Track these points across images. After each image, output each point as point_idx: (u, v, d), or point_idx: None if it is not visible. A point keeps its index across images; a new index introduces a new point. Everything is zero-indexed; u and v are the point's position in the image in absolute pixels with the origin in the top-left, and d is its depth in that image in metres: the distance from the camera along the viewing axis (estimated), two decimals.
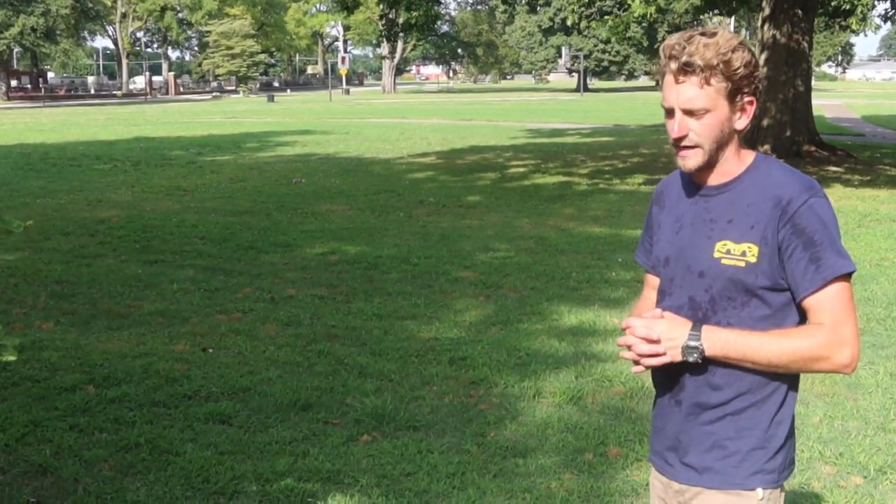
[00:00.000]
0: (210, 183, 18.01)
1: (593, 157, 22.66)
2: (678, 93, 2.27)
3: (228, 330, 7.53)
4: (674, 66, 2.25)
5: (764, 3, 20.66)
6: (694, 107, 2.26)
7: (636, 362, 2.35)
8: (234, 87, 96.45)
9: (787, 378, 2.35)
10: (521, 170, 19.98)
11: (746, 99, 2.28)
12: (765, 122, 20.30)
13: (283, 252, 10.87)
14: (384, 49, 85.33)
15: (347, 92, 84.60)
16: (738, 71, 2.23)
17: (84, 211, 14.32)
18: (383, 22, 21.47)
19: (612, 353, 6.84)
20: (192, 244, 11.37)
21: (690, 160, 2.32)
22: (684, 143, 2.30)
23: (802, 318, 2.31)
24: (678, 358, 2.30)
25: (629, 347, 2.35)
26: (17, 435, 5.27)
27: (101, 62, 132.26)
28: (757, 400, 2.33)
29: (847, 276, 2.26)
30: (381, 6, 20.85)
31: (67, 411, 5.67)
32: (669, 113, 2.32)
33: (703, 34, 2.26)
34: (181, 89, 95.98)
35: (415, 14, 18.98)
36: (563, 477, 4.76)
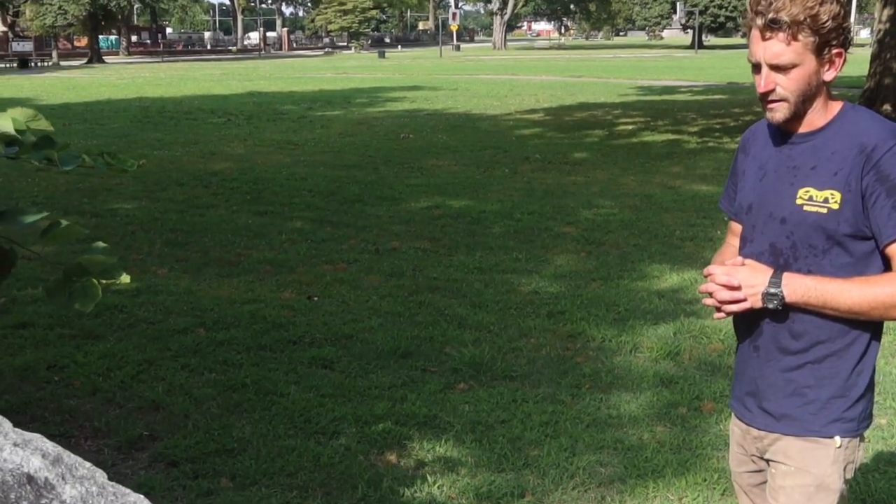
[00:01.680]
0: (320, 137, 18.31)
1: (704, 115, 22.24)
2: (765, 48, 2.27)
3: (333, 280, 7.73)
4: (760, 21, 2.24)
5: None
6: (781, 62, 2.26)
7: (718, 309, 2.39)
8: (345, 43, 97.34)
9: (870, 326, 2.35)
10: (630, 127, 19.77)
11: (835, 51, 2.27)
12: (886, 81, 19.59)
13: (388, 205, 11.04)
14: (495, 4, 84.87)
15: (458, 48, 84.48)
16: (826, 24, 2.22)
17: (198, 163, 14.75)
18: None
19: (711, 310, 6.79)
20: (300, 196, 11.63)
21: (778, 112, 2.33)
22: (771, 97, 2.31)
23: (887, 267, 2.30)
24: (758, 304, 2.32)
25: (711, 294, 2.38)
26: (133, 372, 5.56)
27: (217, 18, 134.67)
28: (838, 348, 2.35)
29: None
30: None
31: (179, 352, 5.93)
32: (756, 68, 2.32)
33: None
34: (294, 45, 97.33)
35: None
36: (655, 429, 4.81)
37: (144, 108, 24.99)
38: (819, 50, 2.25)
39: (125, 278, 2.75)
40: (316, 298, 7.22)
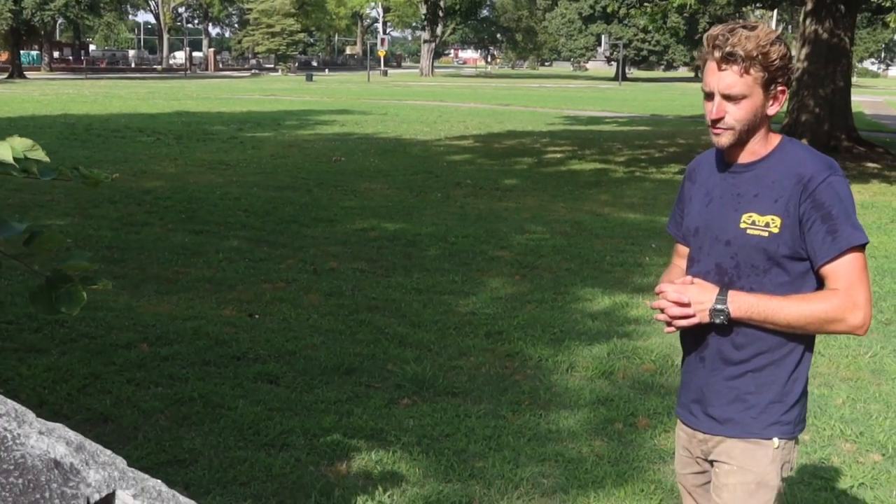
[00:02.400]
0: (251, 158, 18.33)
1: (630, 146, 22.78)
2: (719, 79, 2.50)
3: (273, 298, 7.82)
4: (717, 54, 2.47)
5: None
6: (732, 93, 2.49)
7: (668, 323, 2.61)
8: (272, 65, 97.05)
9: (804, 339, 2.60)
10: (558, 155, 20.17)
11: (779, 88, 2.52)
12: (803, 117, 20.34)
13: (324, 227, 11.15)
14: (425, 33, 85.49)
15: (385, 73, 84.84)
16: (775, 62, 2.46)
17: (130, 181, 14.66)
18: (427, 5, 21.61)
19: (643, 332, 7.08)
20: (235, 216, 11.68)
21: (723, 138, 2.55)
22: (720, 124, 2.53)
23: (819, 285, 2.55)
24: (706, 319, 2.55)
25: (662, 310, 2.59)
26: (79, 385, 5.59)
27: (141, 36, 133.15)
28: (776, 358, 2.58)
29: (861, 247, 2.49)
30: None
31: (124, 366, 5.98)
32: (709, 96, 2.55)
33: (744, 27, 2.48)
34: (220, 65, 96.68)
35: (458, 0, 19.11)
36: (593, 443, 5.01)
37: (70, 126, 24.67)
38: (767, 85, 2.49)
39: (106, 285, 2.86)
40: (257, 316, 7.31)
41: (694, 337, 2.69)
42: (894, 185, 16.45)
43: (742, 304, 2.52)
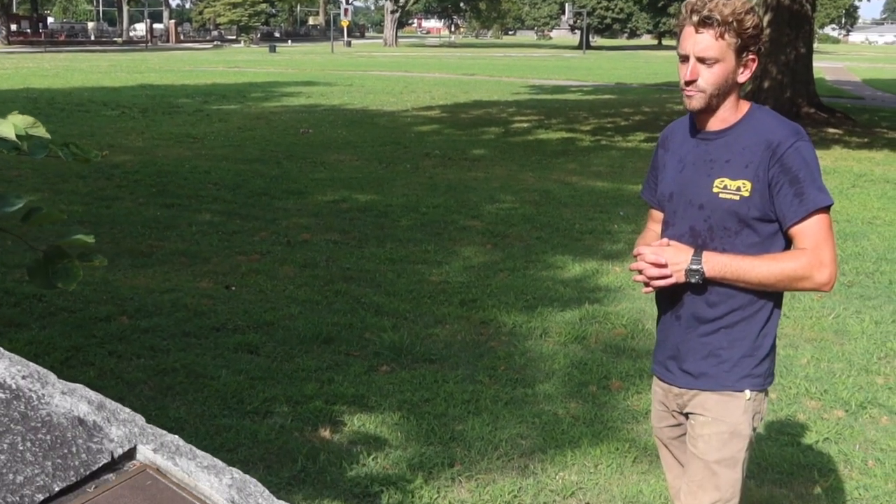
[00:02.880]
0: (219, 131, 18.28)
1: (595, 115, 22.93)
2: (695, 41, 2.62)
3: (249, 270, 7.90)
4: (695, 18, 2.60)
5: None
6: (707, 55, 2.61)
7: (646, 284, 2.74)
8: (234, 37, 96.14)
9: (773, 297, 2.75)
10: (525, 125, 20.28)
11: (750, 56, 2.65)
12: (766, 84, 20.57)
13: (295, 199, 11.21)
14: (389, 3, 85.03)
15: (349, 44, 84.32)
16: (748, 30, 2.59)
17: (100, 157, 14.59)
18: None
19: (613, 298, 7.24)
20: (206, 189, 11.71)
21: (694, 100, 2.67)
22: (692, 86, 2.65)
23: (788, 246, 2.69)
24: (682, 279, 2.69)
25: (641, 272, 2.73)
26: (62, 358, 5.66)
27: (100, 8, 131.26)
28: (747, 315, 2.73)
29: (826, 209, 2.63)
30: None
31: (105, 339, 6.05)
32: (684, 59, 2.67)
33: None
34: (181, 37, 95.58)
35: None
36: (568, 405, 5.17)
37: (33, 100, 24.41)
38: (739, 52, 2.62)
39: (102, 261, 2.95)
40: (233, 288, 7.39)
41: (669, 297, 2.82)
42: (855, 151, 16.73)
43: (716, 263, 2.66)
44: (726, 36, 2.59)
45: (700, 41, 2.61)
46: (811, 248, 2.61)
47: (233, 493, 1.79)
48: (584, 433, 4.79)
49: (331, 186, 12.09)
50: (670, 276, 2.70)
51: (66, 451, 1.73)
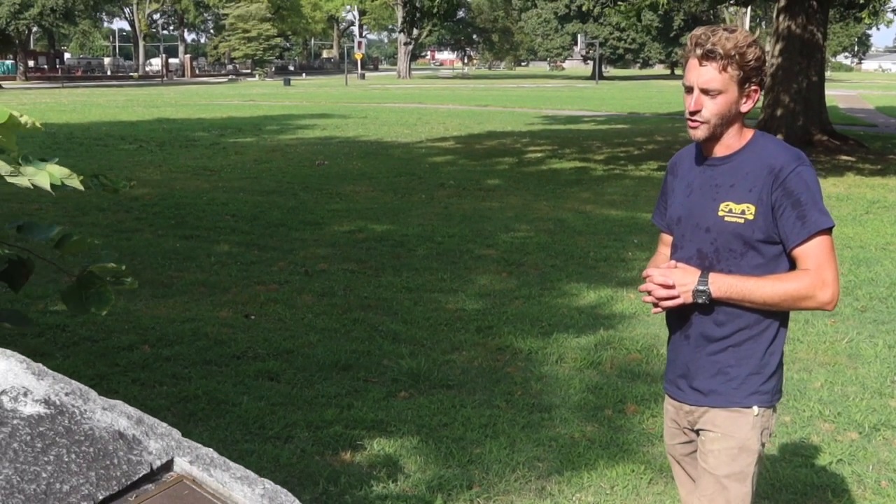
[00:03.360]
0: (235, 164, 18.49)
1: (609, 144, 23.07)
2: (699, 74, 2.74)
3: (267, 299, 8.02)
4: (699, 51, 2.72)
5: None
6: (710, 87, 2.73)
7: (655, 304, 2.85)
8: (249, 71, 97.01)
9: (779, 316, 2.84)
10: (538, 155, 20.42)
11: (752, 87, 2.76)
12: (778, 112, 20.68)
13: (312, 230, 11.35)
14: (402, 35, 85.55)
15: (363, 76, 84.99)
16: (750, 63, 2.71)
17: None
18: (406, 9, 21.86)
19: (628, 324, 7.32)
20: (224, 221, 11.86)
21: (699, 131, 2.79)
22: (697, 116, 2.77)
23: (791, 266, 2.79)
24: (690, 300, 2.79)
25: (650, 293, 2.83)
26: (87, 386, 5.76)
27: (116, 44, 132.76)
28: (754, 333, 2.82)
29: (828, 231, 2.73)
30: None
31: (128, 367, 6.17)
32: (689, 90, 2.78)
33: (725, 29, 2.73)
34: (197, 72, 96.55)
35: (437, 2, 19.39)
36: (584, 429, 5.24)
37: (52, 135, 24.71)
38: (741, 83, 2.73)
39: (133, 283, 3.07)
40: (253, 317, 7.51)
41: (679, 317, 2.93)
42: (868, 178, 16.78)
43: (722, 284, 2.75)
44: (729, 69, 2.69)
45: (703, 73, 2.72)
46: (814, 269, 2.71)
47: (265, 503, 1.88)
48: (601, 455, 4.86)
49: (347, 217, 12.22)
50: (678, 297, 2.80)
51: (108, 462, 1.83)
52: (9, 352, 2.02)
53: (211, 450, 2.01)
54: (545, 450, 4.94)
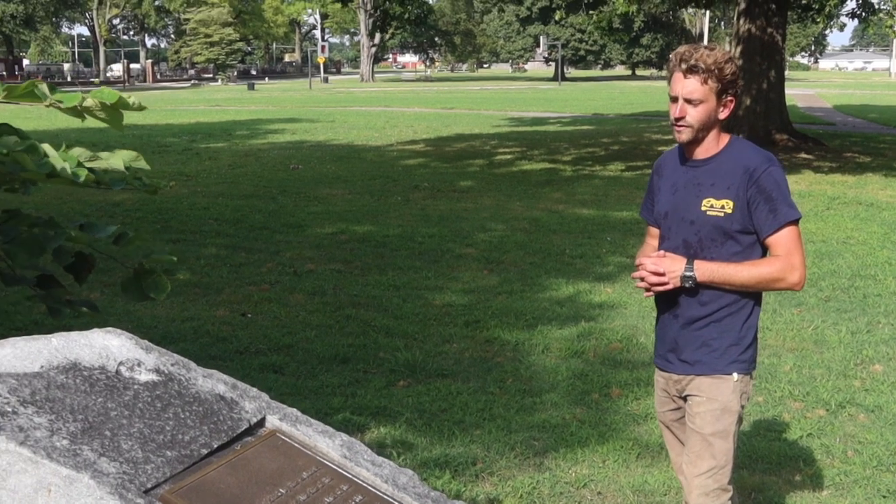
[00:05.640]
0: (210, 169, 18.73)
1: (575, 145, 23.55)
2: (683, 85, 3.18)
3: (261, 299, 8.35)
4: (684, 66, 3.16)
5: None
6: (693, 97, 3.17)
7: (647, 289, 3.30)
8: (211, 75, 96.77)
9: (755, 296, 3.31)
10: (508, 157, 20.85)
11: (728, 98, 3.22)
12: (740, 112, 21.21)
13: (295, 232, 11.68)
14: (362, 38, 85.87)
15: (326, 80, 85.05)
16: (727, 77, 3.16)
17: (96, 194, 15.01)
18: (377, 14, 22.16)
19: (607, 316, 7.73)
20: (208, 225, 12.16)
21: (683, 134, 3.24)
22: (682, 122, 3.21)
23: (764, 253, 3.25)
24: (678, 284, 3.25)
25: (643, 279, 3.27)
26: None
27: (76, 49, 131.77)
28: (733, 311, 3.28)
29: (795, 222, 3.19)
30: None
31: None
32: (674, 99, 3.22)
33: (706, 48, 3.18)
34: (158, 77, 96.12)
35: (408, 8, 19.74)
36: (574, 411, 5.65)
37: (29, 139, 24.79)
38: (719, 95, 3.18)
39: (185, 275, 3.43)
40: (249, 315, 7.84)
41: (667, 300, 3.37)
42: (827, 175, 17.37)
43: (705, 270, 3.21)
44: (709, 81, 3.14)
45: (687, 85, 3.16)
46: (784, 255, 3.18)
47: (344, 451, 2.26)
48: (591, 434, 5.26)
49: (328, 219, 12.56)
50: (668, 283, 3.24)
51: (215, 419, 2.19)
52: (119, 330, 2.37)
53: (295, 409, 2.38)
54: (539, 430, 5.34)
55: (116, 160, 3.13)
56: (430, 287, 8.80)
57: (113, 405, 2.08)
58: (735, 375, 3.28)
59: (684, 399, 3.40)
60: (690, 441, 3.35)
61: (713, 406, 3.28)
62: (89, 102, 2.86)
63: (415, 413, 5.56)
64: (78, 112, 2.88)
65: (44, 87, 2.77)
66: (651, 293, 3.32)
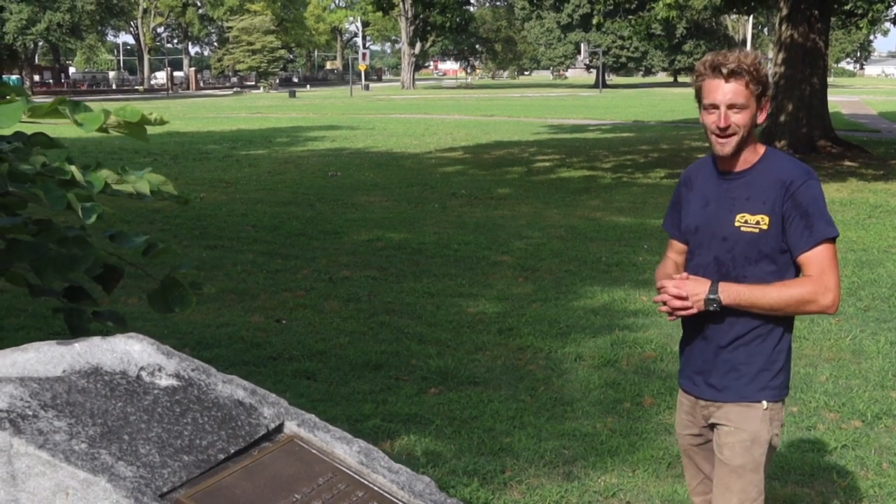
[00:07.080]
0: (249, 176, 18.89)
1: (615, 153, 23.46)
2: (725, 91, 3.01)
3: (296, 305, 8.40)
4: (725, 70, 3.00)
5: (782, 4, 21.35)
6: (737, 101, 3.01)
7: (670, 313, 3.14)
8: (253, 83, 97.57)
9: (785, 320, 3.14)
10: (547, 164, 20.82)
11: (765, 100, 3.09)
12: (782, 119, 21.03)
13: (331, 239, 11.74)
14: (403, 45, 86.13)
15: (367, 87, 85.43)
16: (764, 77, 3.03)
17: (137, 202, 15.15)
18: (417, 22, 22.24)
19: (642, 324, 7.69)
20: (245, 231, 12.25)
21: (727, 146, 3.07)
22: (728, 131, 3.05)
23: (798, 273, 3.08)
24: (702, 308, 3.07)
25: (665, 303, 3.13)
26: None
27: (121, 58, 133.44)
28: (763, 333, 3.11)
29: (832, 240, 3.03)
30: (415, 7, 21.59)
31: None
32: (712, 109, 3.05)
33: (731, 52, 3.06)
34: (201, 84, 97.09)
35: (449, 17, 19.79)
36: (605, 420, 5.62)
37: (65, 150, 25.13)
38: (759, 97, 3.05)
39: (210, 289, 3.46)
40: (284, 321, 7.89)
41: (694, 321, 3.19)
42: (871, 183, 17.14)
43: (731, 293, 3.04)
44: (750, 85, 3.00)
45: (730, 90, 3.01)
46: (817, 275, 3.00)
47: (361, 457, 2.26)
48: (622, 443, 5.23)
49: (364, 226, 12.61)
50: (691, 307, 3.08)
51: (233, 424, 2.21)
52: (140, 336, 2.40)
53: (313, 415, 2.39)
54: (570, 439, 5.32)
55: (143, 185, 3.15)
56: (465, 294, 8.80)
57: (132, 410, 2.10)
58: (764, 403, 3.12)
59: (711, 428, 3.26)
60: (719, 472, 3.20)
61: (742, 437, 3.13)
62: (112, 121, 2.88)
63: (445, 420, 5.56)
64: (103, 129, 2.90)
65: (65, 108, 2.80)
66: (674, 317, 3.14)
